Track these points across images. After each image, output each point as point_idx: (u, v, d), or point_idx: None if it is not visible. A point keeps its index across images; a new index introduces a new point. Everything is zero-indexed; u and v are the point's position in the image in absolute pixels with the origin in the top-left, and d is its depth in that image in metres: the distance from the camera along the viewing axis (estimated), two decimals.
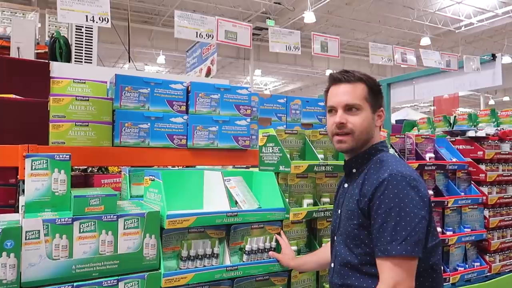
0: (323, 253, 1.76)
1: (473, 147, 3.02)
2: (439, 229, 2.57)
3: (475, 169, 2.94)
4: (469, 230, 2.69)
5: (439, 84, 5.32)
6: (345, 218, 1.46)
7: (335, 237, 1.54)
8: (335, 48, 2.77)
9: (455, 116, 3.69)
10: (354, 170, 1.52)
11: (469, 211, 2.76)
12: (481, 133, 3.06)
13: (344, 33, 15.26)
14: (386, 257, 1.28)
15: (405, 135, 2.60)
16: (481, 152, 2.96)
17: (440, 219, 2.63)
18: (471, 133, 3.08)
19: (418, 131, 4.07)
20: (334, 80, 1.52)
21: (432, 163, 2.58)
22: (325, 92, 1.59)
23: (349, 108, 1.46)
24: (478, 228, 2.78)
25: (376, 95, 1.51)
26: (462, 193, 2.77)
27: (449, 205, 2.61)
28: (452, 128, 3.55)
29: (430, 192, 2.58)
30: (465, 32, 14.70)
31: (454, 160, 2.81)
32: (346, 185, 1.55)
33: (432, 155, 2.67)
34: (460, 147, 3.06)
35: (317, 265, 1.78)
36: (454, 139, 3.15)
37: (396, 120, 8.77)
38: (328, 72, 17.99)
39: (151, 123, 2.10)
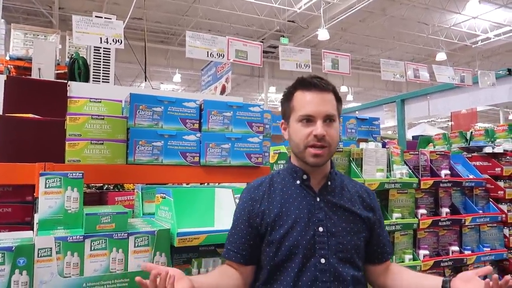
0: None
1: (490, 164, 2.96)
2: (457, 248, 2.51)
3: (493, 186, 2.88)
4: (489, 249, 2.61)
5: (455, 100, 5.24)
6: (346, 234, 1.38)
7: (318, 259, 1.33)
8: (346, 65, 2.76)
9: (471, 132, 3.63)
10: (329, 183, 1.45)
11: (488, 229, 2.68)
12: (498, 149, 3.01)
13: (358, 49, 15.30)
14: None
15: (419, 152, 2.56)
16: (499, 169, 2.90)
17: (457, 238, 2.56)
18: (488, 149, 3.02)
19: (434, 147, 4.01)
20: (310, 85, 1.39)
21: (447, 180, 2.53)
22: (288, 94, 1.46)
23: (327, 119, 1.36)
24: (498, 247, 2.70)
25: (340, 105, 1.46)
26: (480, 211, 2.70)
27: (466, 223, 2.54)
28: (469, 144, 3.48)
29: (447, 209, 2.53)
30: (482, 47, 14.57)
31: (471, 177, 2.75)
32: (318, 199, 1.42)
33: (448, 172, 2.62)
34: (477, 163, 3.00)
35: None
36: (470, 156, 3.10)
37: (412, 136, 8.65)
38: (343, 88, 18.12)
39: (165, 141, 2.12)
